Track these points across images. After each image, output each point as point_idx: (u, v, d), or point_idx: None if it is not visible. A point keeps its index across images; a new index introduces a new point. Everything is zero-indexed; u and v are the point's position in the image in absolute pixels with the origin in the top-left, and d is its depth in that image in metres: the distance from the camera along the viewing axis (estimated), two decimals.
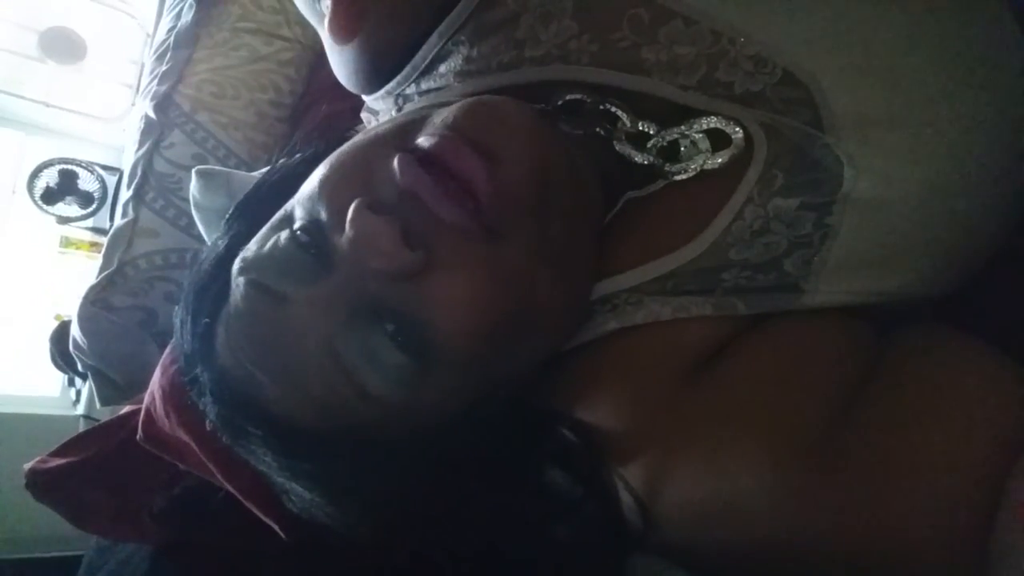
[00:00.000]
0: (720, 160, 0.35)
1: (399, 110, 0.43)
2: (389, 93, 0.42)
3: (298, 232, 0.31)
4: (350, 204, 0.29)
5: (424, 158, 0.29)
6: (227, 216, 0.40)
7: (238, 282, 0.32)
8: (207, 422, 0.34)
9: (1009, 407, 0.29)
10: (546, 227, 0.32)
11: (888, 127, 0.33)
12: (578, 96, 0.37)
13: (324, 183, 0.32)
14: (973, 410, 0.29)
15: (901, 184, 0.33)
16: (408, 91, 0.41)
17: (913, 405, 0.30)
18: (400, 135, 0.32)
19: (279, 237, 0.32)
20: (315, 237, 0.31)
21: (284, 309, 0.31)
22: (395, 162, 0.29)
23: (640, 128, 0.36)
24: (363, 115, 0.48)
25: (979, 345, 0.33)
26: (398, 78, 0.41)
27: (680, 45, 0.34)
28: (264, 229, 0.34)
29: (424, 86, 0.40)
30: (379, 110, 0.45)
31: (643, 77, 0.35)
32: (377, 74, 0.41)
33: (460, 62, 0.38)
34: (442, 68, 0.39)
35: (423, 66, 0.40)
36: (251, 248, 0.33)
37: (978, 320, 0.35)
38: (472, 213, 0.29)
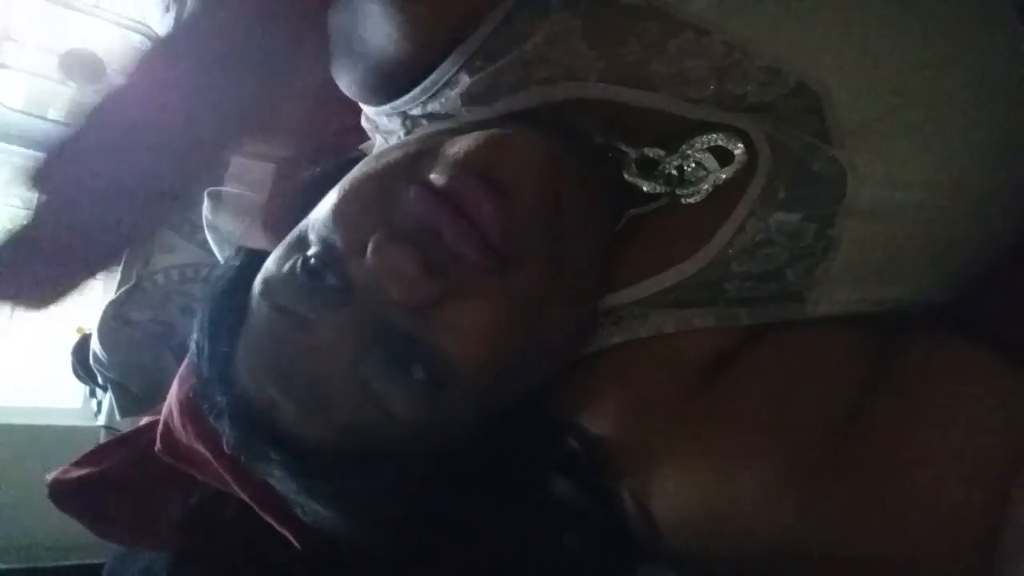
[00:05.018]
0: (724, 176, 0.35)
1: (407, 132, 0.43)
2: (395, 110, 0.42)
3: (313, 258, 0.32)
4: (368, 234, 0.30)
5: (438, 193, 0.30)
6: (238, 246, 0.40)
7: (260, 305, 0.33)
8: (224, 443, 0.35)
9: (1014, 416, 0.29)
10: (560, 252, 0.32)
11: (893, 135, 0.32)
12: (586, 131, 0.37)
13: (339, 212, 0.32)
14: (979, 419, 0.29)
15: (903, 193, 0.33)
16: (414, 112, 0.41)
17: (918, 414, 0.30)
18: (413, 165, 0.32)
19: (297, 261, 0.32)
20: (331, 264, 0.32)
21: (308, 332, 0.31)
22: (412, 194, 0.30)
23: (647, 155, 0.36)
24: (364, 124, 0.47)
25: (984, 353, 0.32)
26: (405, 98, 0.40)
27: (690, 58, 0.33)
28: (280, 249, 0.35)
29: (431, 108, 0.40)
30: (380, 125, 0.45)
31: (651, 93, 0.35)
32: (382, 90, 0.41)
33: (467, 84, 0.38)
34: (449, 92, 0.38)
35: (434, 90, 0.39)
36: (271, 269, 0.34)
37: (981, 324, 0.35)
38: (486, 250, 0.30)
